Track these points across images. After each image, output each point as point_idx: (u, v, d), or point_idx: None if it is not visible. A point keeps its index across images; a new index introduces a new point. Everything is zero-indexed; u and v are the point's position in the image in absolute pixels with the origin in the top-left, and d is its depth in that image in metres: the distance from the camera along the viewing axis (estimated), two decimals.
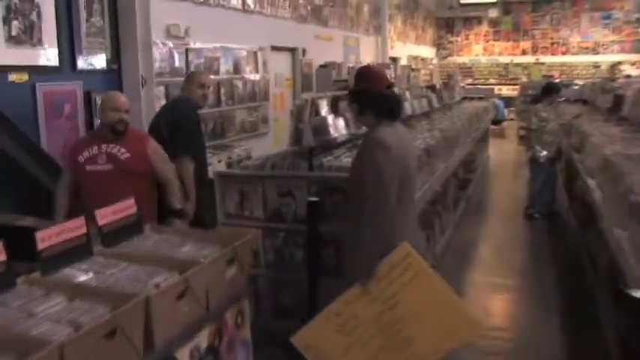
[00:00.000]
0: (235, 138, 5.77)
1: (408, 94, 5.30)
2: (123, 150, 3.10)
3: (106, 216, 2.22)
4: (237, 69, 5.73)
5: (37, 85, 3.48)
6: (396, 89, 2.85)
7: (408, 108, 4.72)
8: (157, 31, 4.34)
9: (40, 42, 3.49)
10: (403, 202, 2.50)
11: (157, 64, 4.38)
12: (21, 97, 3.42)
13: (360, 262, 2.40)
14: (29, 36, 3.43)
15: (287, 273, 3.10)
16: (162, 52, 4.45)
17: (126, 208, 2.34)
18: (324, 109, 3.48)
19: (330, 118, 3.36)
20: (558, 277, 4.33)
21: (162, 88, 4.50)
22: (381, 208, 2.40)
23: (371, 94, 2.58)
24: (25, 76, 3.43)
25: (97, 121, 3.65)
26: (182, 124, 3.47)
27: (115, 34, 4.08)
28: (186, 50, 4.77)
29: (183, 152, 3.36)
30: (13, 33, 3.34)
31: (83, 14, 3.79)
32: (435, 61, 16.61)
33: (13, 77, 3.36)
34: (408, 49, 13.42)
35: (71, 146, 3.16)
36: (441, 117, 6.18)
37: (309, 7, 7.77)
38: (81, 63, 3.78)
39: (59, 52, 3.61)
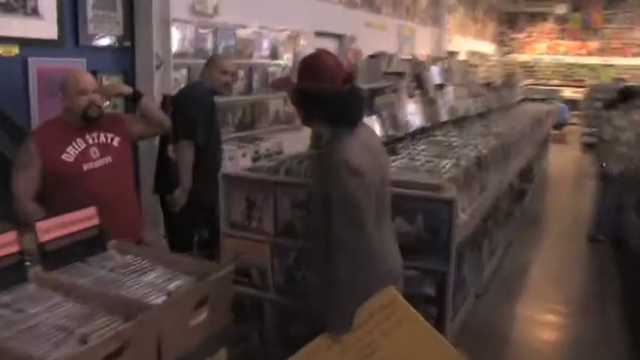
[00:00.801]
0: (267, 130, 5.24)
1: (464, 91, 4.68)
2: (110, 135, 2.70)
3: (51, 229, 1.74)
4: (273, 54, 5.19)
5: (30, 59, 3.02)
6: (356, 80, 2.21)
7: (461, 108, 4.10)
8: (179, 7, 3.83)
9: (35, 11, 3.03)
10: (379, 223, 2.02)
11: (177, 44, 3.89)
12: (9, 73, 2.96)
13: (329, 306, 1.96)
14: (22, 3, 2.97)
15: (298, 299, 2.57)
16: (184, 30, 3.95)
17: (84, 219, 1.85)
18: None
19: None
20: (628, 317, 3.64)
21: (184, 71, 4.01)
22: (357, 246, 1.91)
23: (319, 95, 2.00)
24: (14, 49, 2.97)
25: None
26: (186, 107, 3.31)
27: (129, 7, 3.60)
28: (214, 30, 4.27)
29: (181, 136, 3.27)
30: None
31: None
32: (494, 58, 15.74)
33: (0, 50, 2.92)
34: (467, 44, 12.66)
35: (37, 144, 2.54)
36: (498, 119, 5.51)
37: None
38: (85, 38, 3.31)
39: (59, 24, 3.14)
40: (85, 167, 2.57)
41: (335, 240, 1.90)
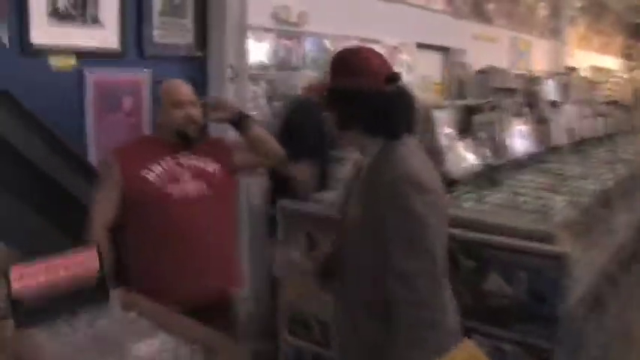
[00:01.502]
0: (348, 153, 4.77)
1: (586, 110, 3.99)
2: (209, 160, 2.36)
3: (31, 275, 1.40)
4: None
5: (86, 72, 2.77)
6: (405, 82, 1.80)
7: (580, 130, 3.45)
8: (258, 13, 3.49)
9: (94, 19, 2.77)
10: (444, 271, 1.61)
11: (256, 55, 3.55)
12: (64, 87, 2.71)
13: None
14: (80, 11, 2.72)
15: None
16: (264, 39, 3.60)
17: (80, 262, 1.50)
18: (446, 125, 2.39)
19: (447, 140, 2.28)
20: None
21: (263, 84, 3.67)
22: (428, 288, 1.51)
23: (357, 94, 1.63)
24: (71, 61, 2.72)
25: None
26: (303, 124, 3.14)
27: (201, 13, 3.29)
28: (299, 40, 3.89)
29: (300, 155, 2.92)
30: (59, 6, 2.64)
31: None
32: (621, 75, 14.41)
33: (54, 61, 2.67)
34: (590, 59, 11.58)
35: (118, 159, 2.27)
36: (626, 144, 4.73)
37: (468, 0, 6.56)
38: (151, 47, 3.02)
39: (121, 33, 2.88)
40: (170, 189, 2.22)
41: (396, 281, 1.52)
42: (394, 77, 1.68)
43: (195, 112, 2.35)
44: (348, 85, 1.65)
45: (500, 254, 1.90)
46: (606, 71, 12.79)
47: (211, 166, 2.36)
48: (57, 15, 2.63)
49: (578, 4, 10.58)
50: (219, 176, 2.36)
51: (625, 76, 14.79)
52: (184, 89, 2.39)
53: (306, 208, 2.28)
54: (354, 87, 1.64)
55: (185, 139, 2.33)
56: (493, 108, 2.82)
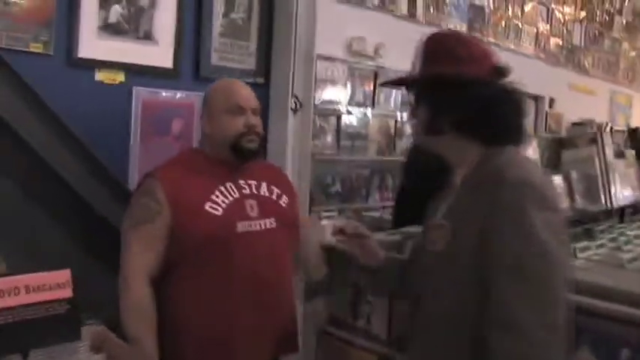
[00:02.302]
0: None
1: None
2: (275, 189, 1.97)
3: None
4: None
5: (135, 89, 2.56)
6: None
7: None
8: (330, 42, 3.22)
9: (148, 35, 2.59)
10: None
11: (326, 87, 3.26)
12: (110, 103, 2.51)
13: None
14: (134, 26, 2.54)
15: None
16: (335, 70, 3.32)
17: (50, 286, 1.20)
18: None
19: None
20: None
21: (332, 120, 3.37)
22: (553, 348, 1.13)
23: (463, 85, 1.30)
24: (119, 76, 2.53)
25: None
26: None
27: (266, 37, 3.05)
28: (375, 74, 3.57)
29: None
30: (111, 20, 2.48)
31: (219, 6, 2.83)
32: None
33: (101, 75, 2.48)
34: None
35: (166, 188, 1.79)
36: None
37: (564, 47, 6.07)
38: (207, 69, 2.80)
39: (176, 52, 2.67)
40: (241, 228, 1.80)
41: (505, 334, 1.14)
42: (503, 69, 1.36)
43: (257, 121, 1.92)
44: (445, 73, 1.32)
45: (596, 322, 1.45)
46: None
47: (281, 198, 1.96)
48: (108, 28, 2.46)
49: None
50: (289, 211, 1.96)
51: None
52: (246, 92, 1.94)
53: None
54: (453, 75, 1.31)
55: (243, 157, 1.88)
56: (592, 142, 2.37)
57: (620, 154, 2.64)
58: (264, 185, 1.94)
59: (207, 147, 1.96)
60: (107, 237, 2.25)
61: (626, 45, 7.20)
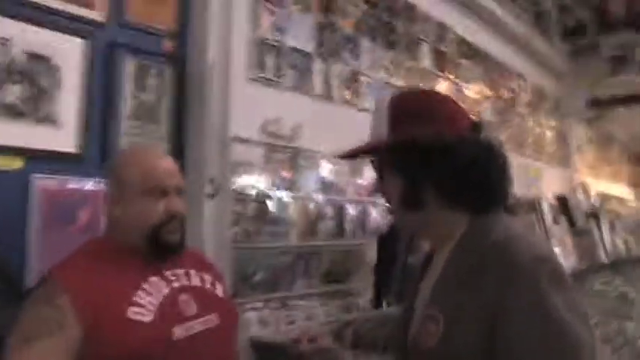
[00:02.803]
0: (363, 284, 4.20)
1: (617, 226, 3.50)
2: (207, 277, 1.68)
3: None
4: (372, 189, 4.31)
5: (33, 177, 2.34)
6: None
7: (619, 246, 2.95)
8: (246, 125, 3.12)
9: (49, 118, 2.40)
10: None
11: (244, 170, 3.13)
12: (6, 192, 2.27)
13: None
14: (34, 107, 2.35)
15: None
16: (252, 153, 3.20)
17: None
18: None
19: None
20: None
21: (253, 205, 3.21)
22: None
23: (444, 148, 1.16)
24: (16, 162, 2.31)
25: None
26: None
27: (177, 119, 2.91)
28: (293, 155, 3.48)
29: None
30: (9, 100, 2.28)
31: (128, 87, 2.69)
32: (634, 204, 14.06)
33: None
34: (600, 187, 11.28)
35: (72, 294, 1.42)
36: None
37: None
38: (115, 154, 2.61)
39: (81, 135, 2.49)
40: (179, 334, 1.46)
41: None
42: (480, 125, 1.24)
43: (182, 205, 1.62)
44: (422, 134, 1.16)
45: None
46: (618, 200, 12.45)
47: (216, 286, 1.67)
48: (3, 109, 2.26)
49: (585, 135, 10.47)
50: (227, 302, 1.70)
51: (637, 205, 14.47)
52: (167, 166, 1.63)
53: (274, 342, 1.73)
54: (433, 136, 1.16)
55: (162, 252, 1.57)
56: (531, 209, 2.33)
57: (555, 221, 2.65)
58: (193, 274, 1.63)
59: (117, 234, 1.63)
60: None
61: (530, 121, 7.57)
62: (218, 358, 1.54)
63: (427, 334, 1.13)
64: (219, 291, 1.67)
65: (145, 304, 1.46)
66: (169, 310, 1.49)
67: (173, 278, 1.58)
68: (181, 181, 1.66)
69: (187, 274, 1.62)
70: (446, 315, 1.11)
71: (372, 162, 1.33)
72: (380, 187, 1.30)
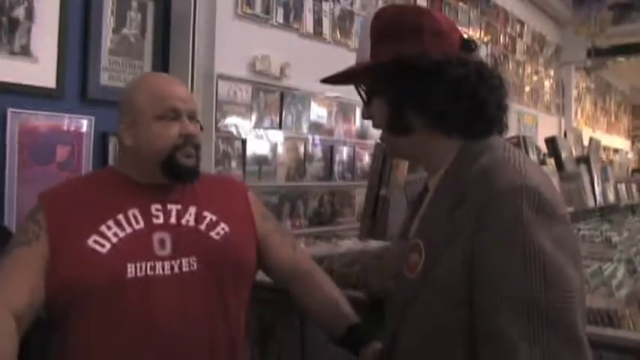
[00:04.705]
0: (351, 227, 4.19)
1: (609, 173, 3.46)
2: (209, 216, 1.53)
3: None
4: (363, 132, 4.24)
5: (10, 111, 2.27)
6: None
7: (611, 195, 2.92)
8: (230, 61, 3.03)
9: (25, 50, 2.31)
10: None
11: (229, 108, 3.06)
12: None
13: None
14: (7, 39, 2.26)
15: None
16: (237, 91, 3.12)
17: None
18: None
19: None
20: None
21: (237, 143, 3.15)
22: None
23: (433, 65, 1.05)
24: None
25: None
26: None
27: (162, 57, 2.83)
28: (281, 94, 3.41)
29: None
30: None
31: (108, 21, 2.59)
32: (629, 156, 14.03)
33: None
34: (597, 137, 11.22)
35: (48, 212, 1.42)
36: None
37: None
38: (95, 89, 2.54)
39: (59, 70, 2.40)
40: (133, 272, 1.39)
41: None
42: (471, 43, 1.12)
43: (197, 130, 1.52)
44: (408, 52, 1.06)
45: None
46: (614, 151, 12.43)
47: (214, 227, 1.52)
48: None
49: (583, 84, 10.35)
50: (230, 246, 1.52)
51: (632, 157, 14.46)
52: (181, 90, 1.53)
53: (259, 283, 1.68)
54: (420, 54, 1.05)
55: (177, 177, 1.48)
56: (516, 147, 2.29)
57: (542, 162, 2.60)
58: (191, 211, 1.51)
59: (126, 165, 1.54)
60: None
61: (528, 69, 7.45)
62: (181, 306, 1.41)
63: (410, 264, 1.09)
64: (216, 233, 1.52)
65: (109, 235, 1.40)
66: (130, 247, 1.41)
67: (158, 214, 1.48)
68: (195, 106, 1.55)
69: (182, 211, 1.50)
70: (427, 245, 1.06)
71: (357, 88, 1.25)
72: (367, 112, 1.21)
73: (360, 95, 1.22)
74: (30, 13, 2.31)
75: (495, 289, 0.95)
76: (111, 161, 2.53)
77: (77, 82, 2.50)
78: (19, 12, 2.28)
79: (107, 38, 2.58)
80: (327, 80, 1.27)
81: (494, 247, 0.95)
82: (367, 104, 1.20)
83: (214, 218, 1.53)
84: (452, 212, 1.03)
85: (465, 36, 1.16)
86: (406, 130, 1.12)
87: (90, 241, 1.39)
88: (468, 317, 0.98)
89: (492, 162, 1.04)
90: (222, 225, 1.54)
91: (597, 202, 3.14)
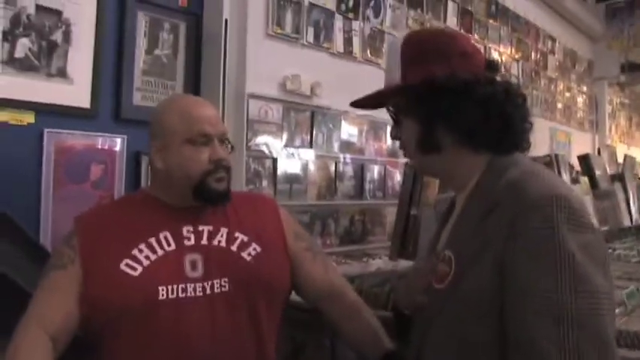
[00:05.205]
0: (382, 245, 4.16)
1: None
2: (241, 236, 1.54)
3: None
4: (394, 151, 4.22)
5: (46, 131, 2.32)
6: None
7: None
8: (262, 81, 3.06)
9: (61, 72, 2.37)
10: None
11: (260, 127, 3.08)
12: (18, 146, 2.26)
13: None
14: (45, 62, 2.32)
15: None
16: (268, 109, 3.15)
17: None
18: None
19: None
20: None
21: (268, 162, 3.17)
22: None
23: (463, 86, 1.10)
24: (28, 117, 2.29)
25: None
26: None
27: (194, 77, 2.87)
28: (312, 113, 3.42)
29: None
30: (18, 55, 2.24)
31: (141, 42, 2.64)
32: None
33: (6, 116, 2.24)
34: (632, 153, 10.99)
35: (82, 237, 1.47)
36: None
37: None
38: (128, 109, 2.58)
39: (93, 90, 2.45)
40: (165, 294, 1.40)
41: None
42: (495, 64, 1.19)
43: (227, 154, 1.54)
44: (438, 73, 1.11)
45: None
46: None
47: (246, 248, 1.52)
48: (15, 63, 2.23)
49: (617, 100, 10.18)
50: (261, 267, 1.52)
51: None
52: (211, 113, 1.53)
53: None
54: (449, 75, 1.11)
55: (210, 201, 1.51)
56: (547, 166, 2.25)
57: (575, 181, 2.56)
58: (223, 232, 1.51)
59: (158, 187, 1.56)
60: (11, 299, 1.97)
61: (561, 85, 7.36)
62: (212, 328, 1.41)
63: (439, 275, 1.11)
64: (248, 253, 1.52)
65: (141, 258, 1.42)
66: (161, 269, 1.42)
67: (190, 236, 1.48)
68: (225, 129, 1.57)
69: (214, 233, 1.51)
70: (458, 256, 1.09)
71: (388, 109, 1.28)
72: (396, 133, 1.26)
73: (391, 116, 1.24)
74: (67, 37, 2.36)
75: (526, 297, 0.96)
76: (143, 179, 2.57)
77: (111, 102, 2.54)
78: (58, 35, 2.34)
79: (140, 59, 2.63)
80: (357, 104, 1.29)
81: (525, 256, 0.97)
82: (397, 124, 1.22)
83: (246, 239, 1.54)
84: (482, 223, 1.06)
85: (491, 57, 1.19)
86: (436, 147, 1.16)
87: (122, 265, 1.42)
88: (496, 328, 1.00)
89: (521, 175, 1.07)
90: (254, 245, 1.54)
91: (633, 220, 3.06)
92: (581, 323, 0.92)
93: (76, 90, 2.40)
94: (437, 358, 1.11)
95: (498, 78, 1.17)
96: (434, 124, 1.15)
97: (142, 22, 2.61)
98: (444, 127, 1.14)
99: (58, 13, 2.32)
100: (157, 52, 2.69)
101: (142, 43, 2.63)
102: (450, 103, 1.11)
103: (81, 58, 2.41)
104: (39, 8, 2.26)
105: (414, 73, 1.16)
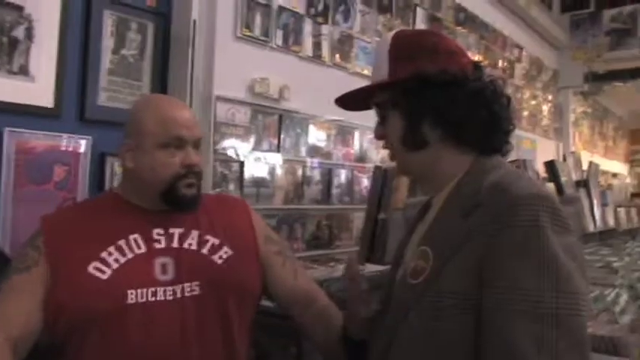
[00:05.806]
0: (348, 250, 4.16)
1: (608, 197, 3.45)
2: (212, 240, 1.52)
3: None
4: (362, 156, 4.23)
5: (7, 130, 2.26)
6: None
7: (609, 218, 2.90)
8: (230, 83, 3.03)
9: (23, 70, 2.31)
10: None
11: (227, 130, 3.04)
12: None
13: None
14: (6, 59, 2.26)
15: None
16: (236, 112, 3.12)
17: None
18: None
19: None
20: None
21: (235, 166, 3.14)
22: None
23: (451, 82, 1.12)
24: None
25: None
26: None
27: (161, 78, 2.82)
28: (280, 117, 3.40)
29: None
30: None
31: (107, 42, 2.59)
32: (628, 180, 14.05)
33: None
34: (595, 161, 11.23)
35: (48, 238, 1.43)
36: None
37: None
38: (93, 110, 2.52)
39: (57, 90, 2.40)
40: (134, 298, 1.37)
41: None
42: (480, 65, 1.19)
43: (200, 159, 1.52)
44: (427, 69, 1.12)
45: None
46: (613, 175, 12.43)
47: (217, 251, 1.50)
48: None
49: (581, 109, 10.39)
50: (232, 271, 1.50)
51: (630, 182, 14.47)
52: (187, 117, 1.50)
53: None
54: (438, 71, 1.12)
55: (177, 207, 1.48)
56: (517, 166, 2.27)
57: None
58: (194, 235, 1.49)
59: (128, 189, 1.54)
60: None
61: (527, 93, 7.48)
62: (182, 332, 1.38)
63: (415, 270, 1.11)
64: (219, 256, 1.50)
65: (110, 261, 1.39)
66: (131, 272, 1.40)
67: (160, 239, 1.46)
68: (200, 133, 1.55)
69: (184, 235, 1.49)
70: (436, 251, 1.09)
71: (375, 105, 1.27)
72: (381, 131, 1.26)
73: (377, 113, 1.25)
74: (30, 33, 2.31)
75: (507, 295, 0.96)
76: (107, 181, 2.51)
77: (75, 102, 2.48)
78: (19, 32, 2.28)
79: (106, 59, 2.58)
80: (342, 103, 1.30)
81: (509, 253, 0.98)
82: (382, 122, 1.21)
83: (217, 242, 1.52)
84: (464, 220, 1.06)
85: (474, 59, 1.22)
86: (421, 143, 1.17)
87: (90, 268, 1.38)
88: (471, 324, 1.00)
89: (506, 175, 1.09)
90: (225, 249, 1.52)
91: (597, 226, 3.12)
92: (560, 323, 0.93)
93: (38, 88, 2.34)
94: (406, 353, 1.10)
95: (485, 77, 1.19)
96: (421, 118, 1.15)
97: (108, 20, 2.56)
98: (431, 121, 1.15)
99: (19, 9, 2.26)
100: (123, 51, 2.64)
101: (108, 42, 2.57)
102: (440, 96, 1.12)
103: (44, 55, 2.35)
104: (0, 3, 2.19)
105: (404, 69, 1.16)
